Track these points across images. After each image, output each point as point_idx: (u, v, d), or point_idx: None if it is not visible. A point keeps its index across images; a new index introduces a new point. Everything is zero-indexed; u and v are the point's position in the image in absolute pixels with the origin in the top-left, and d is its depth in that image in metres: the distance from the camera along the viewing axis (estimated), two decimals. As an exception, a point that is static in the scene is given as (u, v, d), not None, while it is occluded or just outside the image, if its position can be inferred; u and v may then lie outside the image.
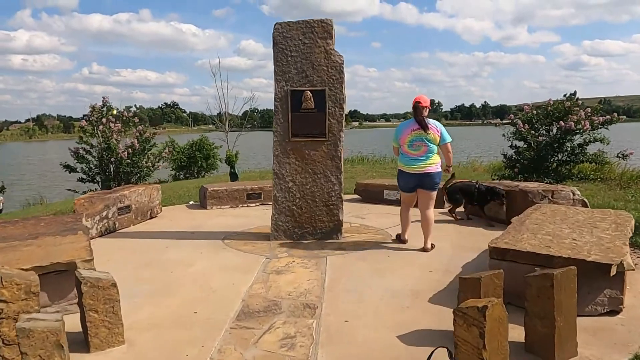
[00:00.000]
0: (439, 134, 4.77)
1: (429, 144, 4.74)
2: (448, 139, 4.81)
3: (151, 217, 6.88)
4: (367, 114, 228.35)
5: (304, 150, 5.35)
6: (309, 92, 5.23)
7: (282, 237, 5.44)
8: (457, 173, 13.52)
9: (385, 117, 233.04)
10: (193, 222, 6.62)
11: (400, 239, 5.25)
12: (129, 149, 8.14)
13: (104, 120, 8.02)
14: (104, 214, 5.96)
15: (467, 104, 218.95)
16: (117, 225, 6.16)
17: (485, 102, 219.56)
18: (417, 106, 4.82)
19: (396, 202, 6.60)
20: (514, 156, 8.62)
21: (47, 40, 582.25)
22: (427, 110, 4.87)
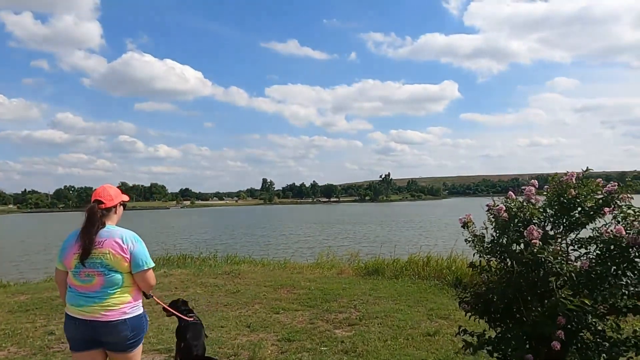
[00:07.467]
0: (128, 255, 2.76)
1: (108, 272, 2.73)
2: (148, 263, 2.81)
3: None
4: (199, 192, 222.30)
5: None
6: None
7: None
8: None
9: (219, 196, 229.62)
10: None
11: None
12: None
13: None
14: None
15: (297, 183, 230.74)
16: None
17: (314, 181, 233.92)
18: (92, 211, 2.78)
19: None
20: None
21: None
22: (118, 211, 2.92)
